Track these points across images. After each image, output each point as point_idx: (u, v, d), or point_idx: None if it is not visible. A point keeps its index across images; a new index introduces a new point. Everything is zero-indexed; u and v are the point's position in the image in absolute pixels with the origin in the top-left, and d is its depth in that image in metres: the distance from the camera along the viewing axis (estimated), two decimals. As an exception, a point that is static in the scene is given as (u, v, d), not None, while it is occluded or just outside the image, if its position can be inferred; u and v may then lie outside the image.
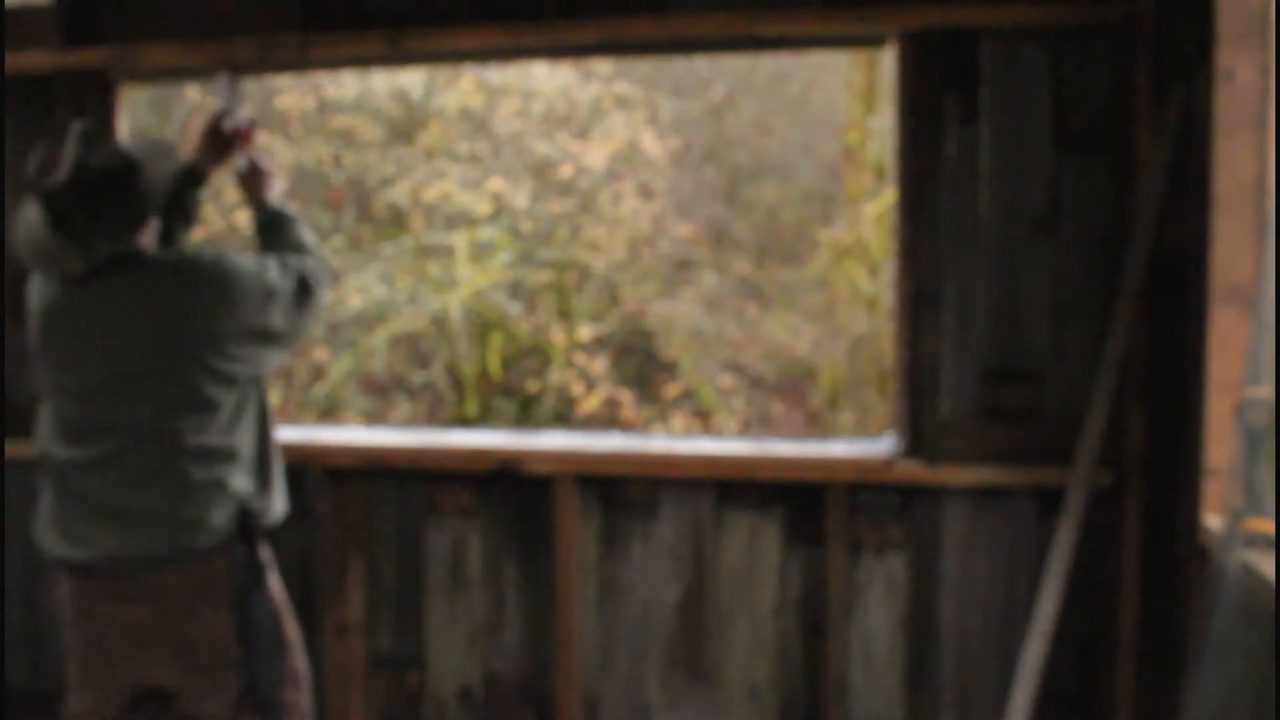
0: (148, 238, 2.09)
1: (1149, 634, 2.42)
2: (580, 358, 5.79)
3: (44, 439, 2.11)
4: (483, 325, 5.76)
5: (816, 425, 5.83)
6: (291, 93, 5.98)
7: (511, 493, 2.79)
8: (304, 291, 2.14)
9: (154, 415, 1.99)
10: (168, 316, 2.00)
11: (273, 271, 2.10)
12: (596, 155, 5.84)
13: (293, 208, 2.36)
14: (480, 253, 5.73)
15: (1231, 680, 1.82)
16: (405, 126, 5.97)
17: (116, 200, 1.98)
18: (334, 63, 2.88)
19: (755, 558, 2.69)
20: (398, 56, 2.80)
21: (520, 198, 5.77)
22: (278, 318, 2.09)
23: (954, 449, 2.55)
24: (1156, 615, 2.39)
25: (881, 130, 5.51)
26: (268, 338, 2.09)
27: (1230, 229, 2.04)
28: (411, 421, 5.79)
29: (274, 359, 2.14)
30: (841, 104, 5.97)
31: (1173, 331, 2.31)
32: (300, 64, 2.88)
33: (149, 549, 1.99)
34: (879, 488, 2.61)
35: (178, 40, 2.80)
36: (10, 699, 3.03)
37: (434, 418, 5.82)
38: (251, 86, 6.05)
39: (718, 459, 2.68)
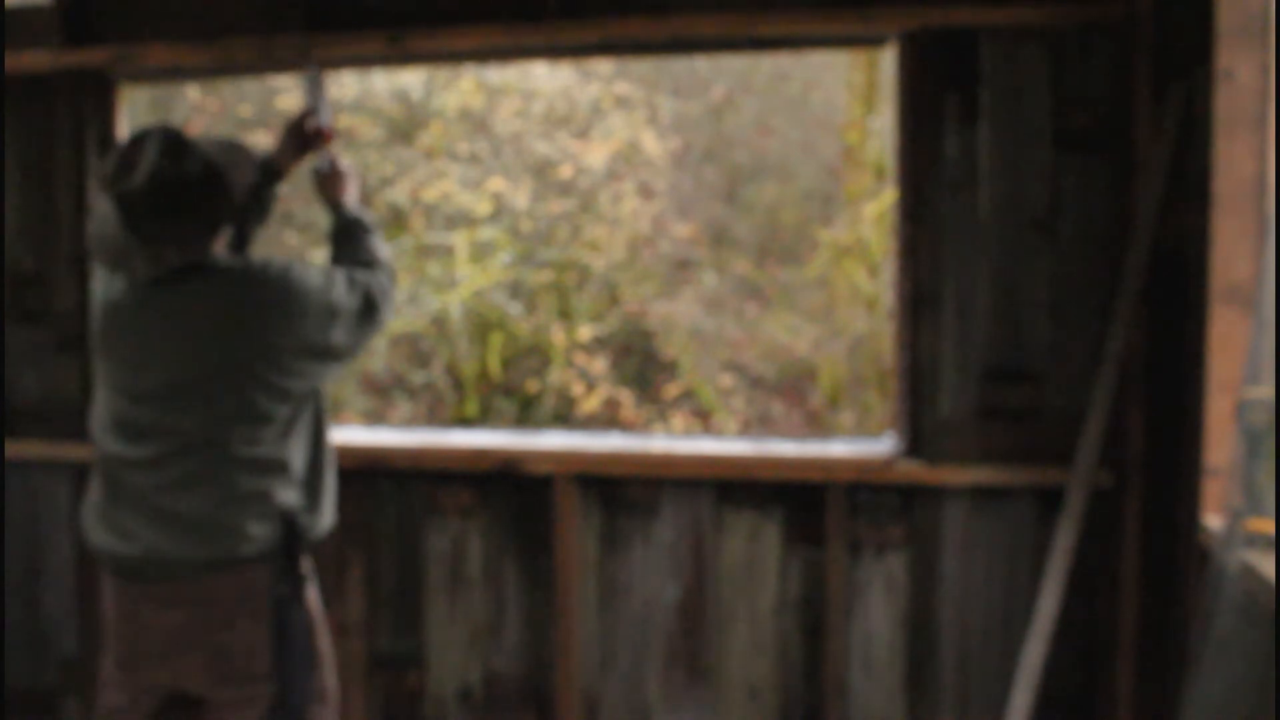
0: (219, 244, 2.07)
1: (1149, 634, 2.42)
2: (580, 358, 5.79)
3: (97, 431, 2.10)
4: (483, 325, 5.76)
5: (816, 425, 5.83)
6: (292, 93, 5.98)
7: (511, 493, 2.79)
8: (369, 309, 2.11)
9: (205, 424, 1.98)
10: (227, 328, 1.99)
11: (339, 288, 2.07)
12: (596, 155, 5.84)
13: (370, 216, 2.33)
14: (480, 253, 5.73)
15: (1231, 680, 1.82)
16: (405, 126, 5.97)
17: (191, 211, 1.96)
18: (334, 63, 2.88)
19: (755, 558, 2.69)
20: (398, 56, 2.80)
21: (520, 198, 5.77)
22: (339, 335, 2.06)
23: (954, 449, 2.55)
24: (1156, 615, 2.40)
25: (881, 130, 5.51)
26: (327, 354, 2.06)
27: (1230, 229, 2.04)
28: (411, 421, 5.79)
29: (331, 374, 2.12)
30: (841, 104, 5.97)
31: (1173, 331, 2.31)
32: (300, 64, 2.87)
33: (191, 552, 1.98)
34: (879, 488, 2.61)
35: (178, 40, 2.80)
36: (10, 699, 3.03)
37: (434, 418, 5.82)
38: (252, 86, 6.06)
39: (718, 459, 2.68)
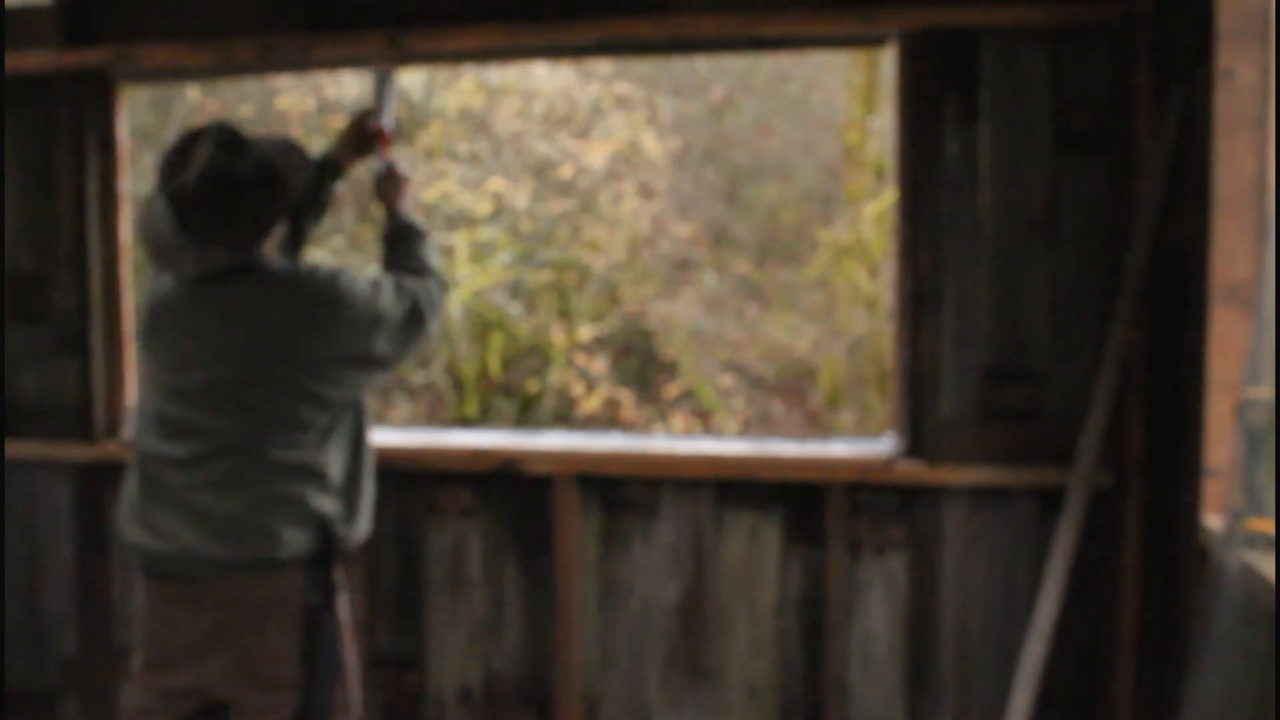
0: (269, 246, 2.06)
1: (1149, 634, 2.42)
2: (580, 358, 5.79)
3: (137, 428, 2.09)
4: (483, 325, 5.76)
5: (816, 425, 5.84)
6: (292, 93, 5.98)
7: (511, 493, 2.79)
8: (415, 319, 2.09)
9: (243, 427, 1.97)
10: (269, 332, 1.98)
11: (385, 297, 2.05)
12: (596, 155, 5.84)
13: (422, 222, 2.32)
14: (480, 253, 5.74)
15: (1231, 680, 1.82)
16: (405, 126, 5.97)
17: (242, 211, 1.94)
18: (334, 63, 2.88)
19: (755, 558, 2.69)
20: (398, 56, 2.80)
21: (520, 198, 5.77)
22: (382, 344, 2.04)
23: (954, 449, 2.55)
24: (1156, 615, 2.40)
25: (881, 130, 5.51)
26: (369, 363, 2.04)
27: (1230, 229, 2.04)
28: (411, 421, 5.79)
29: (373, 382, 2.10)
30: (841, 104, 5.97)
31: (1173, 331, 2.31)
32: (300, 64, 2.87)
33: (222, 553, 1.96)
34: (879, 488, 2.61)
35: (178, 40, 2.80)
36: (10, 699, 3.03)
37: (434, 418, 5.82)
38: (252, 86, 6.06)
39: (718, 459, 2.68)
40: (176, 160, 1.93)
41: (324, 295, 2.00)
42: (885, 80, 5.38)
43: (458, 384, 5.83)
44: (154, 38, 2.82)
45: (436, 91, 5.90)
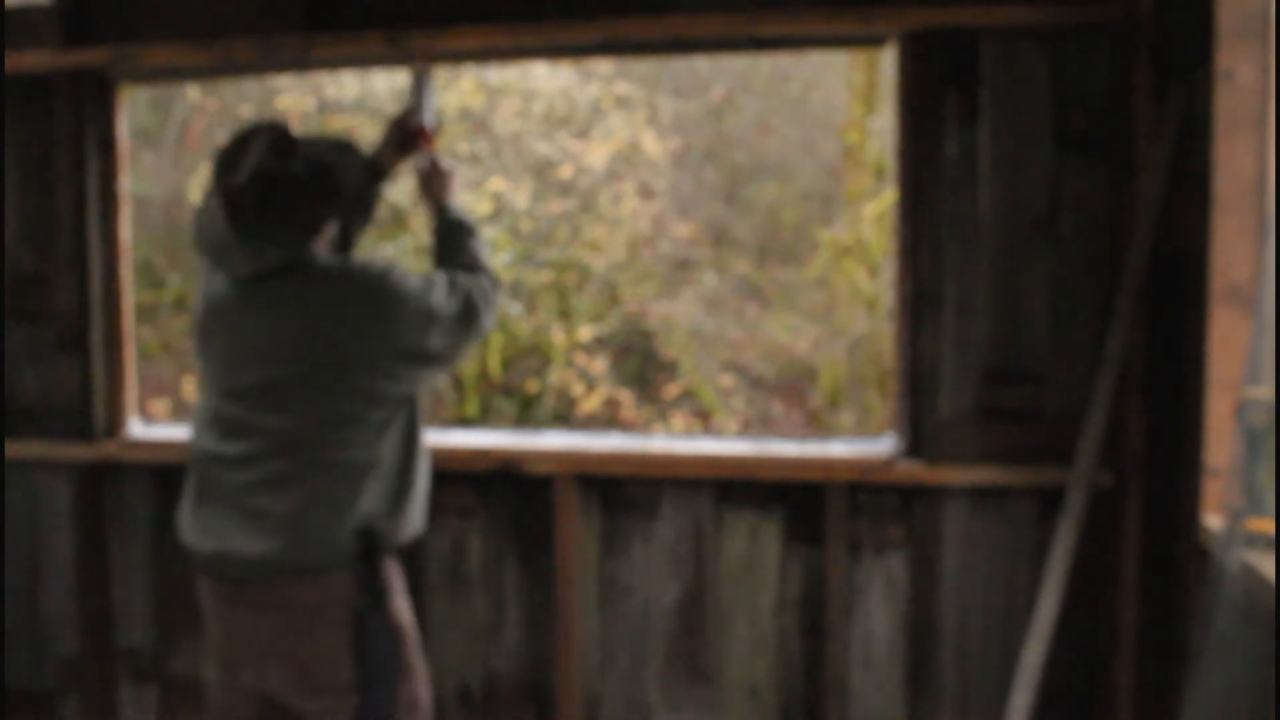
0: (322, 244, 2.06)
1: (1149, 634, 2.42)
2: (580, 358, 5.79)
3: (194, 427, 2.10)
4: (483, 325, 5.75)
5: (816, 425, 5.83)
6: (291, 93, 5.98)
7: (511, 493, 2.79)
8: (469, 314, 2.08)
9: (297, 425, 1.97)
10: (324, 330, 1.97)
11: (439, 292, 2.05)
12: (596, 155, 5.84)
13: (473, 218, 2.31)
14: (480, 253, 5.73)
15: (1231, 680, 1.82)
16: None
17: (293, 210, 1.94)
18: (334, 63, 2.88)
19: (755, 557, 2.69)
20: (398, 56, 2.80)
21: (520, 198, 5.77)
22: (436, 340, 2.03)
23: (954, 449, 2.55)
24: (1156, 615, 2.40)
25: (881, 130, 5.51)
26: (424, 359, 2.03)
27: (1230, 229, 2.04)
28: (411, 421, 5.77)
29: (429, 379, 2.09)
30: (841, 104, 5.97)
31: (1173, 331, 2.31)
32: (300, 64, 2.88)
33: (271, 555, 1.95)
34: (879, 488, 2.61)
35: (178, 40, 2.80)
36: (10, 699, 3.03)
37: (434, 418, 5.82)
38: (252, 86, 6.06)
39: (718, 459, 2.68)
40: (229, 159, 1.93)
41: (375, 291, 1.99)
42: (885, 80, 5.38)
43: (458, 384, 5.82)
44: (154, 38, 2.82)
45: (436, 91, 5.89)
